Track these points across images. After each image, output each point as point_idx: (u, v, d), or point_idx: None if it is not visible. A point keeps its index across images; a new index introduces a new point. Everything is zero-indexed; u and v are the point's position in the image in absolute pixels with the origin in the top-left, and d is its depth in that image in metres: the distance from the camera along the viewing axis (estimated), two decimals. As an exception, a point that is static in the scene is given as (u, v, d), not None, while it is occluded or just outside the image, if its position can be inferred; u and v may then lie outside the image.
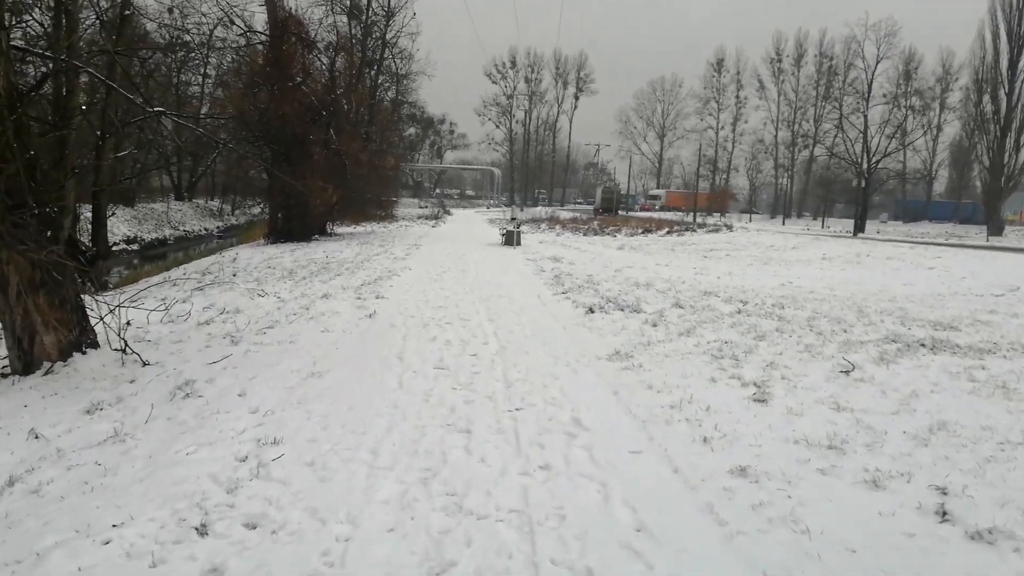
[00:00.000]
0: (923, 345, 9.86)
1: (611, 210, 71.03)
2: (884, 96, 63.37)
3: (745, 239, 33.18)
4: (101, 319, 9.16)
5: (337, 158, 31.16)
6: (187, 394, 7.43)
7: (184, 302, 13.70)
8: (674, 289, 15.99)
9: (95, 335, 9.07)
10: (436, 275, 17.93)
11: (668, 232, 37.99)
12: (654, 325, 11.26)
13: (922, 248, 27.00)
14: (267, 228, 31.34)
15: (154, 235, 42.27)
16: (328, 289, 14.94)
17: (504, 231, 29.81)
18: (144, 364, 8.64)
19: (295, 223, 29.75)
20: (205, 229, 49.60)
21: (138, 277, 21.90)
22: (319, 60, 33.43)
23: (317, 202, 31.23)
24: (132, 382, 7.95)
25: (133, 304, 9.85)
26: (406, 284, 16.06)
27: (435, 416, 6.74)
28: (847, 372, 8.20)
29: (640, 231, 38.89)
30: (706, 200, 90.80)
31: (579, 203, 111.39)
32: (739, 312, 12.64)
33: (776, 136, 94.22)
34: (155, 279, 19.18)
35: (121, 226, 40.10)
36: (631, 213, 74.80)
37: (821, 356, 9.11)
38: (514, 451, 5.87)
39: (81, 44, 19.25)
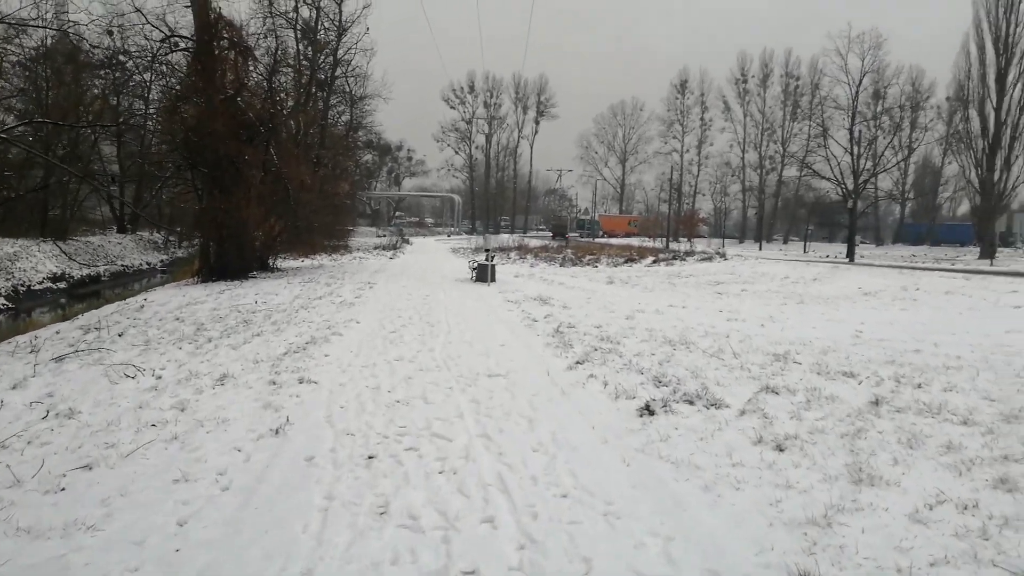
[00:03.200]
0: None
1: (563, 235, 67.70)
2: (858, 114, 58.97)
3: (748, 269, 28.30)
4: None
5: (279, 183, 25.86)
6: None
7: (14, 388, 8.58)
8: (728, 351, 10.96)
9: None
10: (393, 332, 12.67)
11: (655, 261, 33.03)
12: (779, 449, 6.16)
13: (979, 279, 22.32)
14: (198, 264, 25.77)
15: (86, 271, 36.50)
16: (233, 364, 9.65)
17: (475, 264, 24.56)
18: None
19: (230, 257, 24.24)
20: (147, 263, 43.79)
21: (8, 333, 16.32)
22: (257, 72, 28.07)
23: (255, 233, 25.89)
24: None
25: None
26: (349, 351, 10.79)
27: None
28: None
29: (623, 260, 33.86)
30: (627, 223, 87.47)
31: (541, 229, 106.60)
32: (876, 403, 7.63)
33: (743, 158, 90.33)
34: (20, 339, 13.69)
35: (47, 262, 34.40)
36: (596, 239, 70.19)
37: None
38: None
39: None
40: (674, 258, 34.21)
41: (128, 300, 19.02)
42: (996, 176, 48.56)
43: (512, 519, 4.76)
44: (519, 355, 10.73)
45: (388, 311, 15.56)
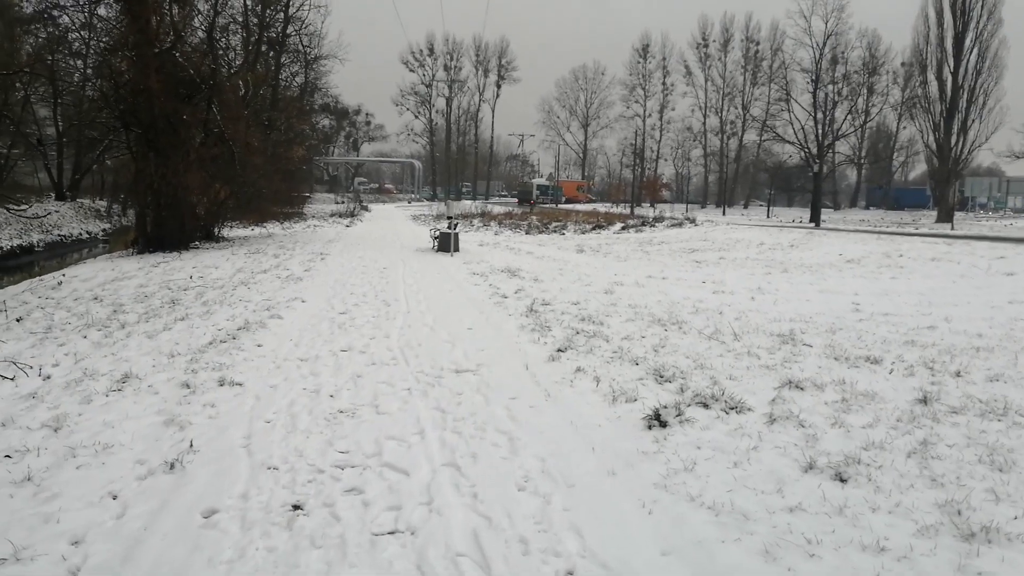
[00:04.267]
0: None
1: (528, 201, 69.25)
2: (811, 79, 57.09)
3: (721, 235, 26.91)
4: None
5: (224, 146, 23.80)
6: None
7: None
8: (727, 331, 9.50)
9: None
10: (343, 314, 10.95)
11: (624, 228, 31.54)
12: (840, 479, 4.64)
13: (961, 244, 21.01)
14: (134, 234, 23.68)
15: (17, 242, 34.03)
16: (143, 359, 7.91)
17: (437, 233, 22.74)
18: None
19: (168, 227, 22.17)
20: (88, 232, 41.23)
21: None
22: (201, 28, 25.80)
23: (197, 199, 23.83)
24: None
25: None
26: (289, 339, 9.07)
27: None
28: None
29: (591, 227, 32.31)
30: (575, 187, 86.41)
31: (503, 195, 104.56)
32: (925, 402, 6.25)
33: (704, 123, 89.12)
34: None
35: (-31, 233, 32.00)
36: (559, 206, 68.57)
37: None
38: None
39: None
40: (643, 224, 32.69)
41: (46, 276, 17.03)
42: (953, 140, 47.84)
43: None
44: (490, 341, 9.11)
45: (339, 287, 13.84)
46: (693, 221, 33.13)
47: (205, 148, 22.97)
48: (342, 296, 12.66)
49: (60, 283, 15.28)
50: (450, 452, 5.20)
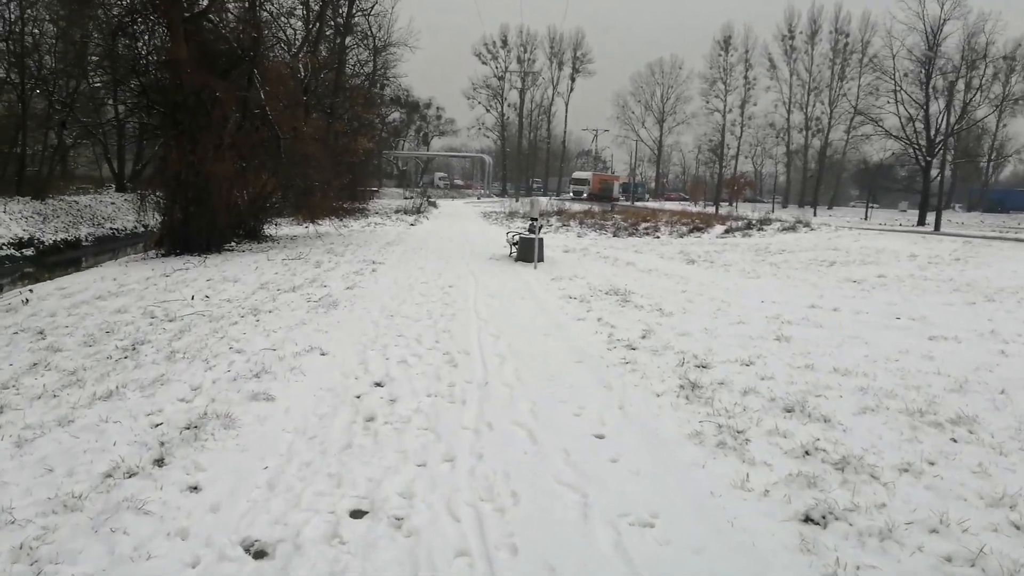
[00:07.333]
0: None
1: (609, 198, 65.46)
2: (922, 69, 49.94)
3: (852, 244, 21.68)
4: None
5: (266, 129, 19.59)
6: None
7: None
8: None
9: None
10: (378, 385, 6.44)
11: (727, 231, 26.51)
12: None
13: None
14: (160, 232, 19.68)
15: (62, 235, 30.73)
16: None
17: (516, 238, 18.04)
18: None
19: (197, 224, 18.02)
20: (144, 226, 37.89)
21: None
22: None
23: (234, 192, 19.69)
24: None
25: None
26: (260, 466, 4.57)
27: None
28: None
29: (687, 230, 27.37)
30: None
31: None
32: None
33: (788, 119, 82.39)
34: None
35: (13, 225, 28.69)
36: (639, 203, 63.31)
37: None
38: None
39: None
40: (749, 227, 27.50)
41: (30, 287, 12.95)
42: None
43: None
44: (650, 476, 4.55)
45: (385, 321, 9.37)
46: (808, 225, 27.77)
47: (243, 132, 18.83)
48: (385, 342, 8.14)
49: (26, 301, 11.23)
50: None
